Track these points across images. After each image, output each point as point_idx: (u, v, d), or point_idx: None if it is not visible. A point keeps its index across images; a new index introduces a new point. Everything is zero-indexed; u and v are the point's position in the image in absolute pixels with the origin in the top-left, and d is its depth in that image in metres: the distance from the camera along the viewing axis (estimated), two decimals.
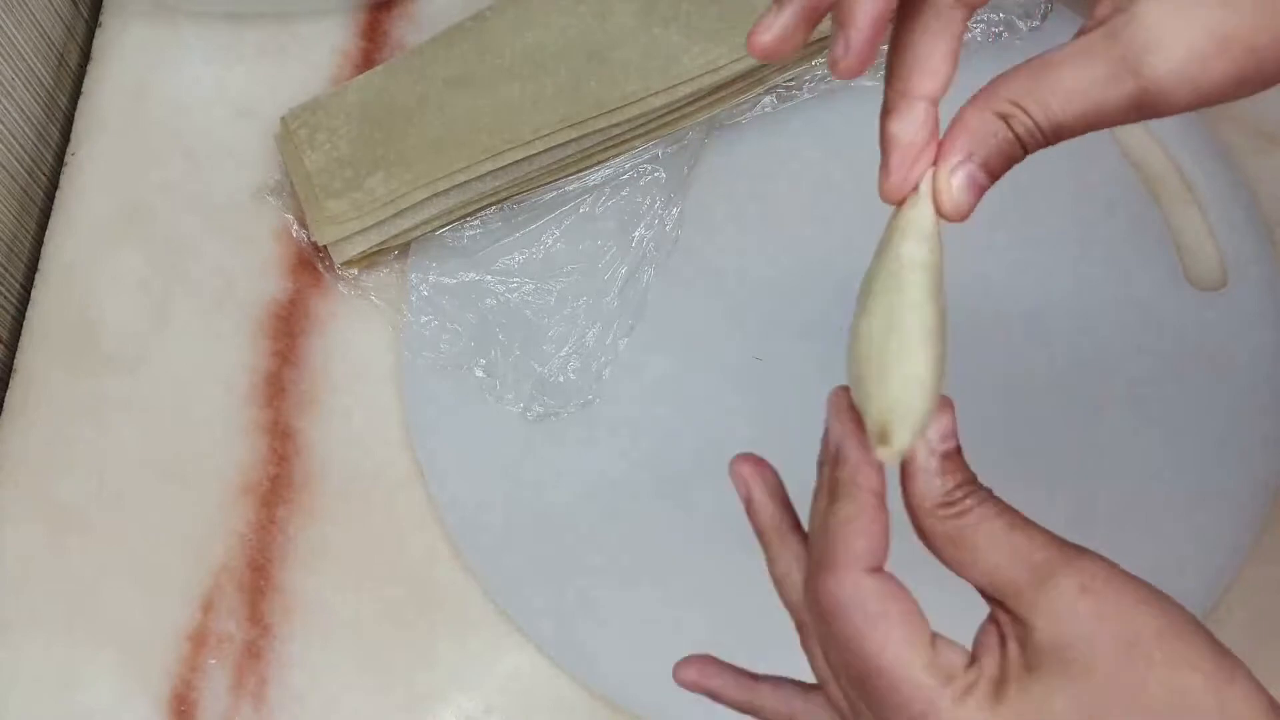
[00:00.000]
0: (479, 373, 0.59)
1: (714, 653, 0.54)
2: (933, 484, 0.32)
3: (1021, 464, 0.57)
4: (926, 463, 0.32)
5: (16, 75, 0.62)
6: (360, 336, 0.60)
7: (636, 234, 0.61)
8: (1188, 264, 0.61)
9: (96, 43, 0.67)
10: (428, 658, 0.54)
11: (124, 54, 0.66)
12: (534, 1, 0.62)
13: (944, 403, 0.33)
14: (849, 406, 0.34)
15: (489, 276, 0.60)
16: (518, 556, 0.56)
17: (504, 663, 0.54)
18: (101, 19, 0.67)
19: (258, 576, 0.56)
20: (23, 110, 0.63)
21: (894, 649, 0.31)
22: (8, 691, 0.54)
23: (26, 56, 0.63)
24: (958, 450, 0.33)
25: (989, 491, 0.33)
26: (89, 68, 0.66)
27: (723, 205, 0.62)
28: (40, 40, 0.64)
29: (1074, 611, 0.30)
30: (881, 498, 0.33)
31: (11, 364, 0.60)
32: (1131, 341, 0.59)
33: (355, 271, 0.60)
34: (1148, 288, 0.60)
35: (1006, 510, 0.32)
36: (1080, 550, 0.31)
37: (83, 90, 0.66)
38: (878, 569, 0.32)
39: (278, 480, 0.57)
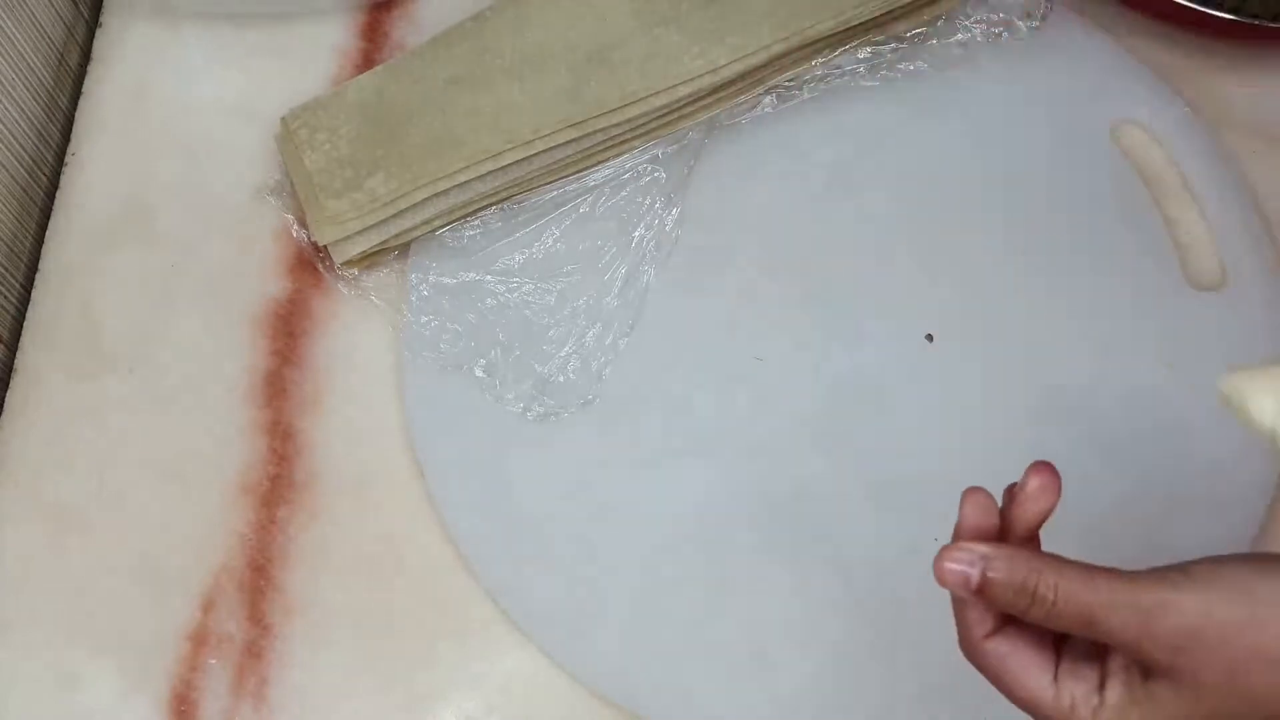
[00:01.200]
0: (479, 373, 0.59)
1: (715, 650, 0.54)
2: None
3: (1019, 460, 0.57)
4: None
5: (16, 75, 0.62)
6: (360, 336, 0.60)
7: (636, 234, 0.61)
8: (1188, 264, 0.61)
9: (96, 43, 0.67)
10: (428, 658, 0.54)
11: (124, 54, 0.66)
12: (534, 1, 0.62)
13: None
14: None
15: (489, 276, 0.60)
16: (518, 556, 0.56)
17: (504, 663, 0.54)
18: (101, 19, 0.67)
19: (258, 576, 0.56)
20: (23, 110, 0.63)
21: (1022, 693, 0.38)
22: (8, 691, 0.54)
23: (27, 56, 0.63)
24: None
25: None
26: (89, 68, 0.66)
27: (723, 205, 0.62)
28: (40, 40, 0.64)
29: (1175, 647, 0.35)
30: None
31: (11, 364, 0.60)
32: (1131, 342, 0.59)
33: (355, 271, 0.60)
34: (1148, 288, 0.60)
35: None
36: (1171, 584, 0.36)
37: (83, 90, 0.66)
38: (993, 632, 0.39)
39: (278, 480, 0.57)
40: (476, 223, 0.61)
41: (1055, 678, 0.37)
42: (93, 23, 0.68)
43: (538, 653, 0.54)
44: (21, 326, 0.61)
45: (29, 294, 0.62)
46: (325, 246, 0.59)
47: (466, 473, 0.57)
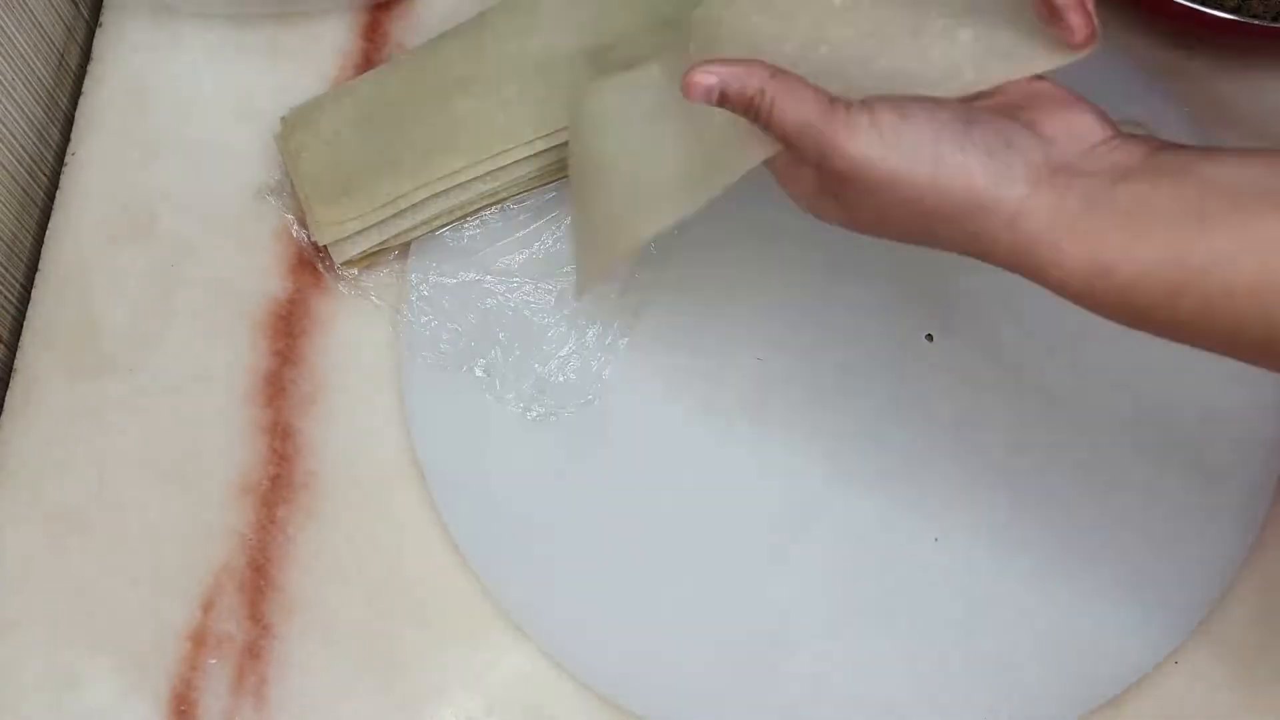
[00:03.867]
0: (479, 372, 0.59)
1: (715, 649, 0.54)
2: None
3: (1019, 459, 0.57)
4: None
5: (16, 75, 0.62)
6: (360, 336, 0.60)
7: None
8: None
9: (96, 43, 0.67)
10: (428, 658, 0.55)
11: (124, 54, 0.66)
12: (534, 1, 0.62)
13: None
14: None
15: (489, 276, 0.60)
16: (518, 556, 0.56)
17: (504, 663, 0.54)
18: (101, 19, 0.67)
19: (258, 576, 0.56)
20: (23, 110, 0.63)
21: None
22: (8, 691, 0.54)
23: (26, 56, 0.63)
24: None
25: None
26: (89, 68, 0.66)
27: (722, 204, 0.62)
28: (40, 40, 0.64)
29: (841, 180, 0.43)
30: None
31: (11, 364, 0.60)
32: (1130, 341, 0.59)
33: (355, 271, 0.60)
34: None
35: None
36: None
37: (83, 90, 0.66)
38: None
39: (278, 480, 0.57)
40: (476, 223, 0.61)
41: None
42: (93, 23, 0.68)
43: (538, 653, 0.54)
44: (21, 326, 0.61)
45: (29, 294, 0.62)
46: (325, 246, 0.59)
47: (466, 473, 0.57)
